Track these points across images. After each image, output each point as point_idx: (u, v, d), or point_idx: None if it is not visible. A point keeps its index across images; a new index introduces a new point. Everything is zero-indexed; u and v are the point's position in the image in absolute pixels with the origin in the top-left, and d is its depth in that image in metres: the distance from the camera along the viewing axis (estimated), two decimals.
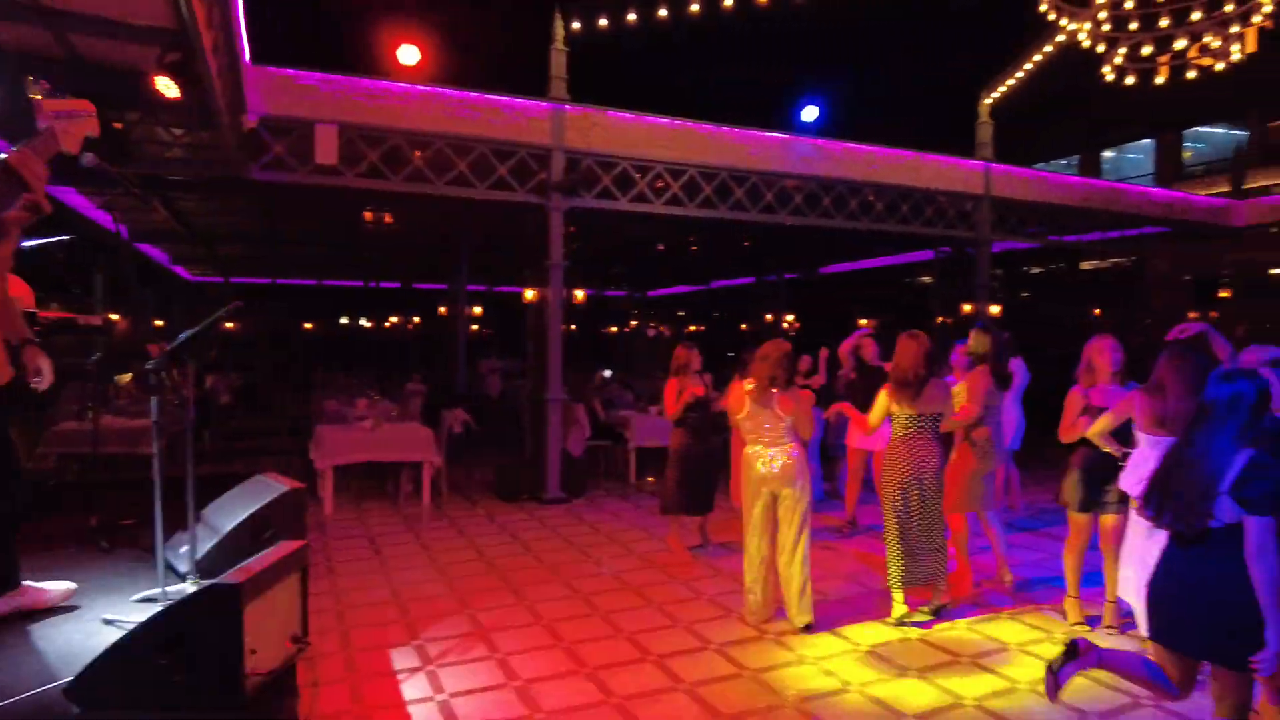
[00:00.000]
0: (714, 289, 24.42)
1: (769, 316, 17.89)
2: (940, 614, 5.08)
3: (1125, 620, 4.85)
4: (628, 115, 9.07)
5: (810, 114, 11.22)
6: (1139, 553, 3.65)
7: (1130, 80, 9.92)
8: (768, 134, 9.99)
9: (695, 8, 9.28)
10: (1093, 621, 4.97)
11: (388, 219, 13.67)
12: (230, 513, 3.72)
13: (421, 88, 8.06)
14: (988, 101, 12.23)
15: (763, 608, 4.99)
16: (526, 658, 4.48)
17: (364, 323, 30.05)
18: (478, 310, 21.60)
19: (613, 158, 8.99)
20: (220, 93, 6.02)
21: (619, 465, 10.12)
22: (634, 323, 25.77)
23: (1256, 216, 14.99)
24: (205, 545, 3.56)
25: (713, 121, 9.58)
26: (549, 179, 8.63)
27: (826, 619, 5.04)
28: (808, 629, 4.82)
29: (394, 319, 29.13)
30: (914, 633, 4.87)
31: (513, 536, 7.09)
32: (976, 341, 5.62)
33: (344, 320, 30.29)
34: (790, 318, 19.56)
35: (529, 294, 9.46)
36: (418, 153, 8.18)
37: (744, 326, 23.48)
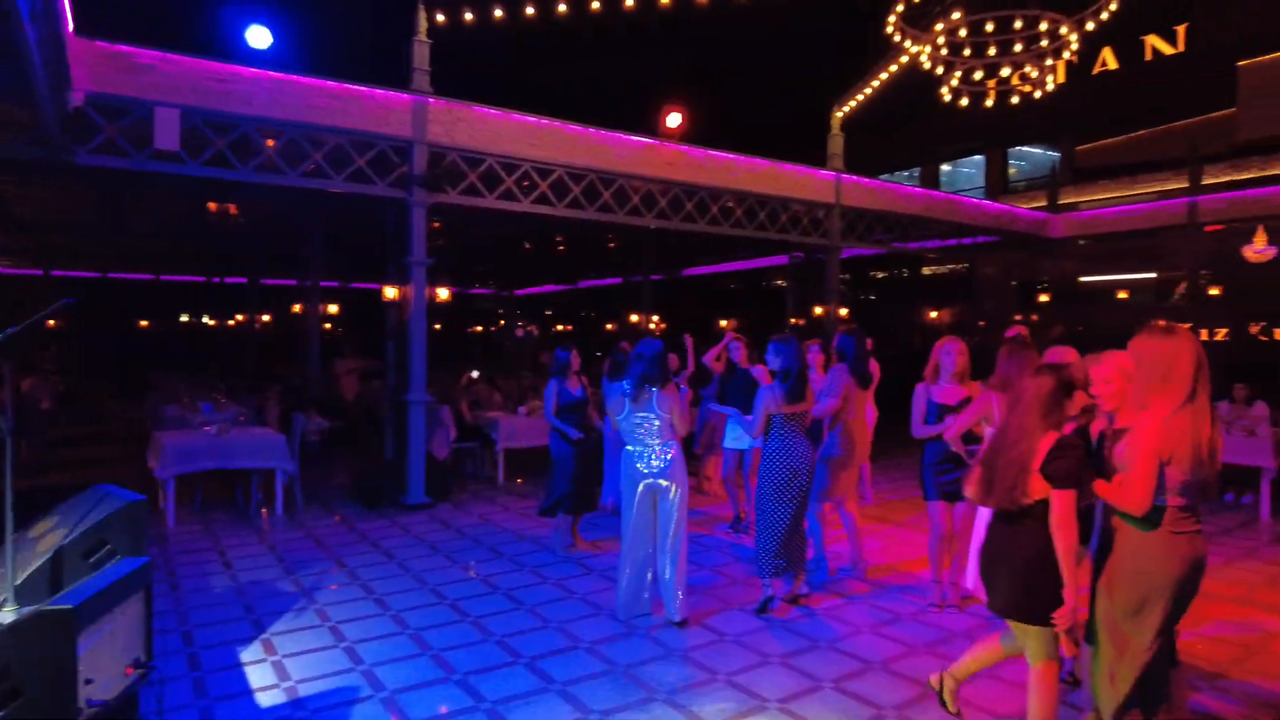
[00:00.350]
0: (581, 288, 24.47)
1: (635, 316, 18.08)
2: (799, 601, 5.31)
3: (974, 601, 5.26)
4: (494, 111, 8.93)
5: (674, 120, 11.44)
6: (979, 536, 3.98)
7: (964, 101, 10.75)
8: (634, 138, 10.11)
9: (563, 8, 9.26)
10: (951, 607, 5.34)
11: (233, 210, 12.84)
12: (59, 530, 3.38)
13: (274, 73, 7.61)
14: (839, 115, 12.89)
15: (638, 604, 5.04)
16: (392, 667, 4.33)
17: (207, 321, 28.07)
18: (333, 308, 20.63)
19: (479, 154, 8.83)
20: (40, 65, 5.46)
21: (487, 468, 9.95)
22: (502, 322, 25.43)
23: (1068, 230, 16.59)
24: (28, 568, 3.22)
25: (581, 123, 9.59)
26: (411, 173, 8.36)
27: (696, 611, 5.16)
28: (681, 624, 4.91)
29: (240, 317, 27.37)
30: (778, 620, 5.07)
31: (374, 544, 6.83)
32: (841, 343, 5.91)
33: (184, 318, 28.18)
34: (656, 318, 19.88)
35: (390, 292, 9.14)
36: (270, 141, 7.72)
37: (611, 326, 23.68)
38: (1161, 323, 3.07)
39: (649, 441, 4.93)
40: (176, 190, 11.06)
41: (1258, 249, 10.44)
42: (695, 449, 8.65)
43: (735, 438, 7.29)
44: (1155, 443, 2.90)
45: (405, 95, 8.29)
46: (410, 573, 6.02)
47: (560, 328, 26.88)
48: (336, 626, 4.92)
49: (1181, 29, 21.33)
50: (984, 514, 4.18)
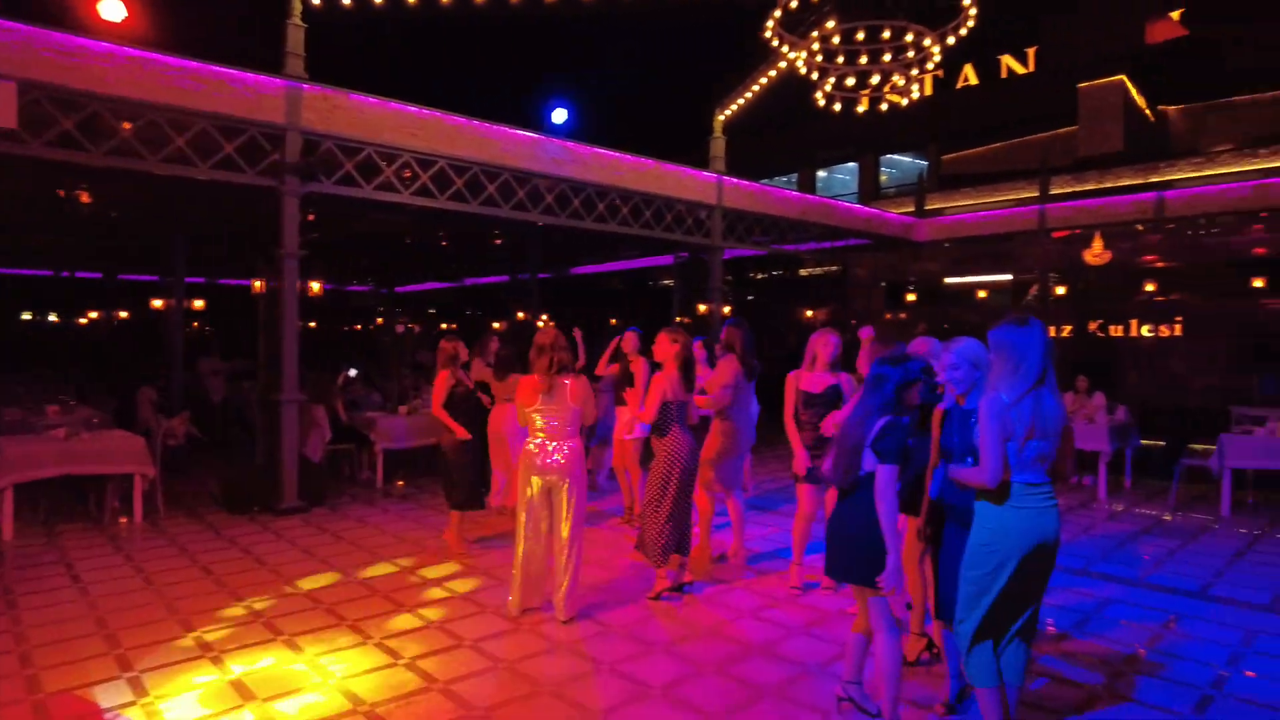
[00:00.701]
0: (466, 286, 24.00)
1: (522, 315, 17.88)
2: (684, 589, 5.42)
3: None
4: (373, 100, 8.64)
5: (560, 116, 11.41)
6: None
7: (838, 107, 11.22)
8: (519, 132, 10.01)
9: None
10: (812, 586, 5.56)
11: (85, 198, 11.87)
12: None
13: (130, 49, 7.09)
14: (721, 118, 13.20)
15: (526, 600, 4.99)
16: (264, 676, 4.13)
17: (53, 318, 25.85)
18: (199, 303, 19.43)
19: (357, 143, 8.51)
20: None
21: (365, 470, 9.63)
22: (380, 319, 24.60)
23: (933, 234, 17.59)
24: None
25: (465, 115, 9.42)
26: (283, 161, 7.99)
27: (585, 604, 5.17)
28: (569, 621, 4.89)
29: (94, 314, 25.34)
30: (663, 608, 5.14)
31: (245, 550, 6.48)
32: (729, 335, 6.06)
33: (26, 315, 25.85)
34: (545, 317, 19.75)
35: (259, 285, 8.69)
36: (126, 124, 7.19)
37: (497, 325, 23.32)
38: (1016, 314, 3.31)
39: (553, 434, 4.88)
40: (16, 174, 10.13)
41: (1095, 253, 11.40)
42: (590, 442, 8.66)
43: (623, 428, 7.34)
44: (998, 424, 3.12)
45: (278, 80, 7.91)
46: (283, 578, 5.75)
47: (444, 326, 26.24)
48: (202, 637, 4.65)
49: (1032, 51, 23.05)
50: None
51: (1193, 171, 18.21)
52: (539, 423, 4.90)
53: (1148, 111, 20.58)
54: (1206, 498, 8.44)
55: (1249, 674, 4.24)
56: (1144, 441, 9.30)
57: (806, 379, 5.34)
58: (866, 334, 5.15)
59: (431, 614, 5.05)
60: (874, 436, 3.37)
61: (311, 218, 12.07)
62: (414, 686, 4.03)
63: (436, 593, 5.46)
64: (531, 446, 4.91)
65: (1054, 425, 3.14)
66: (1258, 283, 12.34)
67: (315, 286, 12.68)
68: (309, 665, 4.27)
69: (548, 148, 10.33)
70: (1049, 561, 3.23)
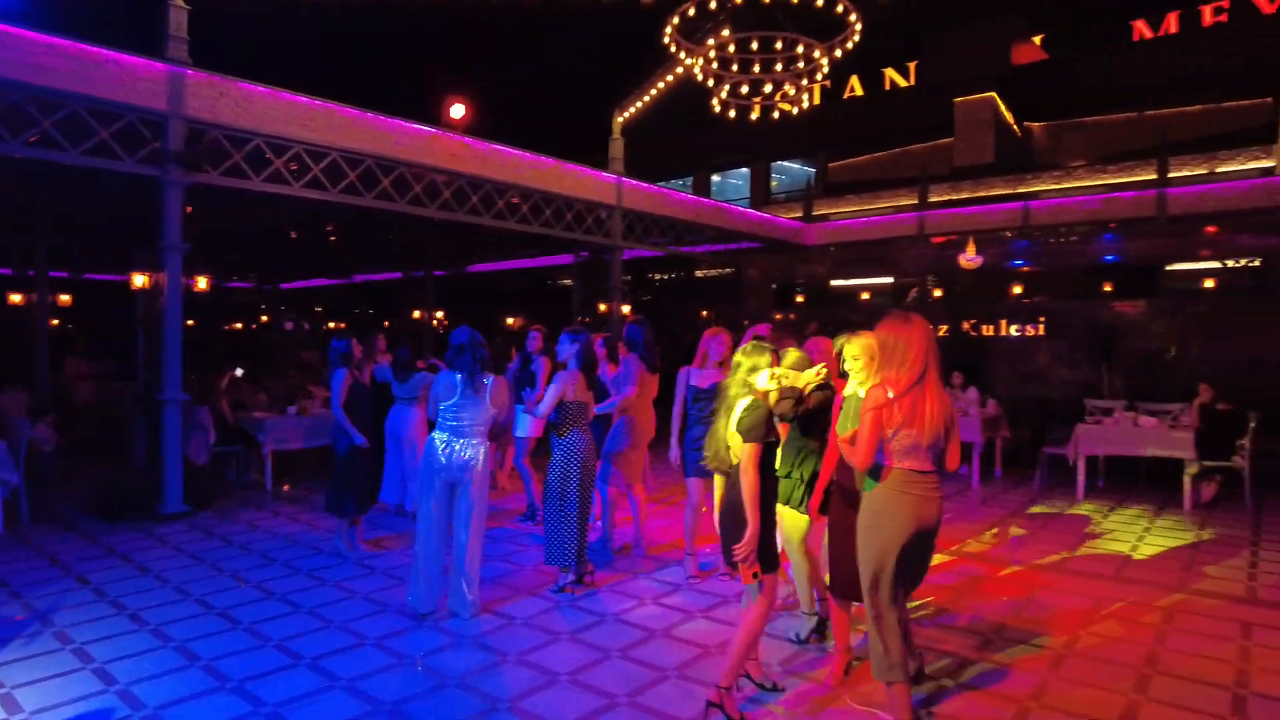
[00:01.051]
0: (356, 283, 23.32)
1: (417, 313, 17.56)
2: (584, 581, 5.52)
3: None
4: (262, 88, 8.35)
5: (458, 111, 11.31)
6: None
7: (732, 114, 11.59)
8: (416, 125, 9.87)
9: None
10: (706, 567, 5.77)
11: None
12: None
13: None
14: (620, 120, 13.37)
15: (433, 598, 4.95)
16: (155, 683, 3.98)
17: None
18: (65, 298, 18.12)
19: (245, 133, 8.21)
20: None
21: (253, 472, 9.28)
22: (265, 317, 23.56)
23: (821, 238, 18.35)
24: None
25: (360, 107, 9.22)
26: (166, 149, 7.62)
27: (488, 600, 5.19)
28: (474, 617, 4.91)
29: None
30: (566, 600, 5.23)
31: (125, 558, 6.16)
32: (632, 334, 6.19)
33: None
34: (440, 314, 19.43)
35: (140, 279, 8.26)
36: None
37: (387, 324, 22.78)
38: (900, 312, 3.55)
39: (463, 432, 4.84)
40: None
41: (969, 257, 12.20)
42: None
43: (528, 426, 7.34)
44: (877, 412, 3.37)
45: (159, 64, 7.54)
46: (170, 585, 5.52)
47: (332, 325, 25.39)
48: (83, 648, 4.42)
49: (913, 65, 24.37)
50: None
51: (1053, 184, 19.72)
52: (449, 420, 4.87)
53: (1015, 127, 22.11)
54: (1065, 482, 9.20)
55: (1095, 631, 4.70)
56: (1010, 433, 10.04)
57: (697, 374, 5.55)
58: (815, 346, 4.79)
59: (332, 614, 4.97)
60: (736, 418, 3.52)
61: (189, 210, 11.51)
62: (315, 686, 3.97)
63: (336, 593, 5.37)
64: (438, 444, 4.86)
65: (937, 418, 3.35)
66: (1107, 287, 13.51)
67: (202, 282, 12.06)
68: (205, 670, 4.14)
69: (445, 143, 10.23)
70: (929, 545, 3.52)
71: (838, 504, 4.11)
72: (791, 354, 4.17)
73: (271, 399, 10.17)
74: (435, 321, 18.46)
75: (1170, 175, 15.55)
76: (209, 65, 7.93)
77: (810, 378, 3.95)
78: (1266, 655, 4.41)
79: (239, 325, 24.68)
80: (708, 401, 5.36)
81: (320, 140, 8.82)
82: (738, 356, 3.68)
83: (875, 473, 3.47)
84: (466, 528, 4.87)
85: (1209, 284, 14.65)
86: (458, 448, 4.83)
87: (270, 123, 8.40)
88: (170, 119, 7.61)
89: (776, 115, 10.54)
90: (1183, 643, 4.58)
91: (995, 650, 4.48)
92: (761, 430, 3.48)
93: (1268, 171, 17.47)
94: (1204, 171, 18.05)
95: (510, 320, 21.55)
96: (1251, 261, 11.61)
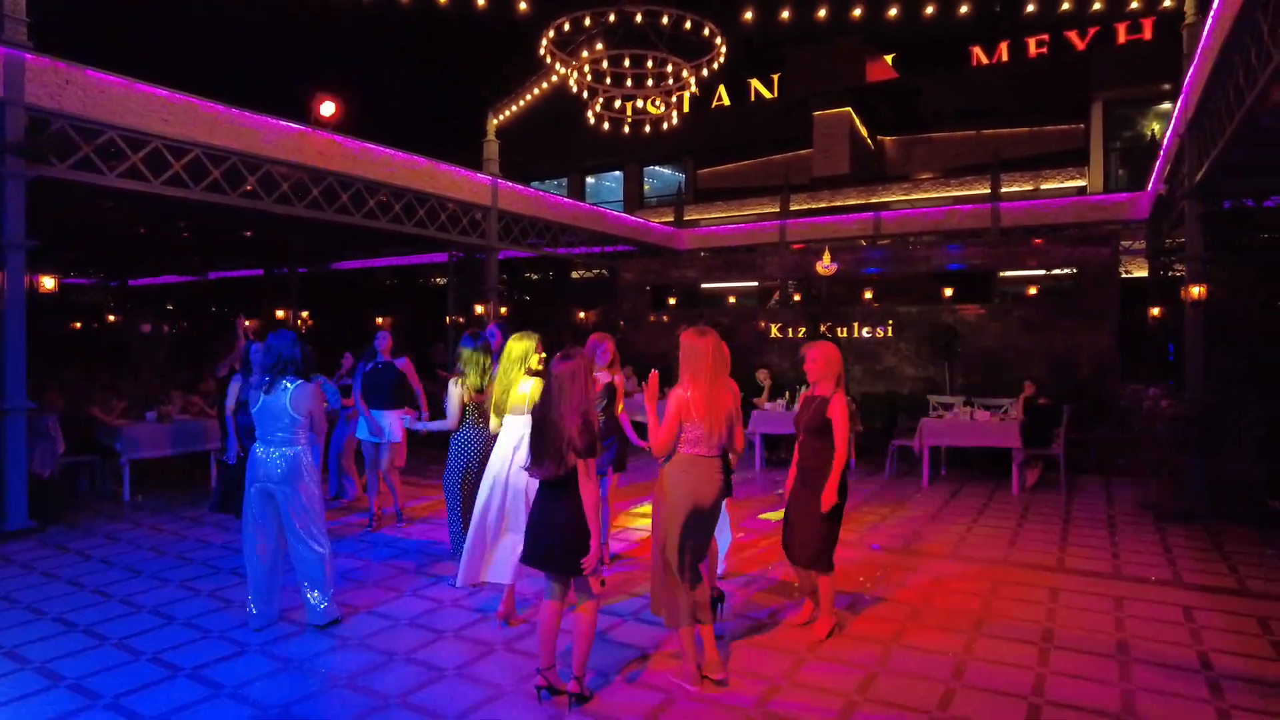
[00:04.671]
0: (212, 280, 22.07)
1: (281, 312, 16.83)
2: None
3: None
4: (116, 78, 7.91)
5: (328, 109, 11.03)
6: None
7: (606, 126, 11.89)
8: (283, 122, 9.60)
9: None
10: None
11: None
12: None
13: None
14: (495, 121, 13.40)
15: (263, 612, 4.81)
16: (15, 707, 3.82)
17: None
18: None
19: (97, 124, 7.77)
20: None
21: (110, 483, 8.77)
22: (112, 317, 21.87)
23: (692, 243, 18.99)
24: None
25: (224, 102, 8.88)
26: (2, 139, 7.10)
27: (370, 600, 5.23)
28: (328, 625, 4.79)
29: None
30: (460, 593, 5.33)
31: None
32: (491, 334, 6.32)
33: None
34: (305, 314, 18.69)
35: None
36: None
37: (249, 323, 21.66)
38: (699, 326, 4.11)
39: (270, 440, 4.70)
40: None
41: (825, 265, 13.00)
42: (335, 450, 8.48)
43: (371, 431, 7.24)
44: (674, 408, 3.99)
45: None
46: (21, 605, 5.22)
47: (184, 325, 23.87)
48: None
49: (776, 77, 25.51)
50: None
51: (903, 195, 21.23)
52: (260, 425, 4.75)
53: (869, 140, 23.59)
54: (912, 472, 10.05)
55: (938, 601, 5.28)
56: (862, 426, 10.84)
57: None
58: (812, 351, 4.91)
59: (211, 624, 4.87)
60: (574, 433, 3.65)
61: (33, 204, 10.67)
62: (198, 695, 3.93)
63: (212, 604, 5.25)
64: (256, 452, 4.74)
65: (720, 413, 4.00)
66: (949, 292, 14.75)
67: (49, 282, 11.15)
68: (71, 689, 4.00)
69: (314, 140, 10.00)
70: (712, 517, 4.07)
71: (799, 487, 4.71)
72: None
73: (129, 405, 9.61)
74: (300, 321, 17.77)
75: (1002, 190, 17.15)
76: (55, 51, 7.46)
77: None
78: (1068, 614, 5.11)
79: (76, 325, 22.77)
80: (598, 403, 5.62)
81: (181, 135, 8.45)
82: (511, 343, 4.65)
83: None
84: (295, 534, 4.73)
85: (1033, 290, 16.25)
86: (269, 457, 4.69)
87: (126, 115, 7.98)
88: (7, 106, 7.11)
89: (648, 129, 10.91)
90: (1004, 607, 5.22)
91: (847, 620, 4.96)
92: (593, 448, 3.69)
93: (1081, 190, 19.54)
94: (1030, 188, 19.95)
95: (380, 320, 20.98)
96: (1068, 270, 12.99)
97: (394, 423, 7.10)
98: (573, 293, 20.60)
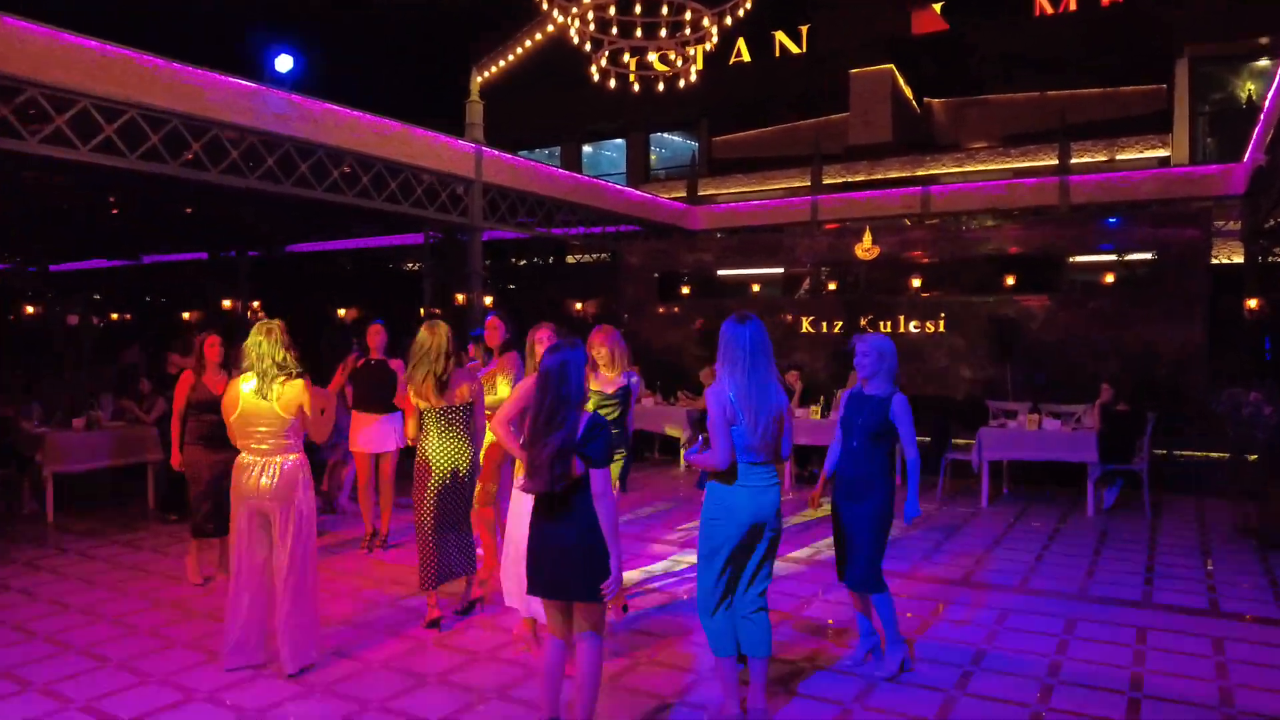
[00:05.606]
0: (148, 265, 22.12)
1: (229, 302, 16.84)
2: (471, 611, 5.62)
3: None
4: (38, 27, 7.91)
5: (285, 64, 11.05)
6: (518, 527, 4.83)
7: (613, 83, 11.85)
8: (234, 80, 9.60)
9: None
10: None
11: None
12: None
13: None
14: (479, 79, 13.38)
15: (249, 648, 4.80)
16: None
17: None
18: None
19: (15, 81, 7.75)
20: None
21: (28, 500, 8.74)
22: (30, 308, 21.87)
23: (707, 222, 18.99)
24: None
25: (164, 56, 8.86)
26: None
27: (342, 644, 5.19)
28: (298, 674, 4.74)
29: None
30: (435, 637, 5.30)
31: None
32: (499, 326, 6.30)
33: None
34: (256, 304, 18.70)
35: None
36: None
37: (189, 315, 21.69)
38: (742, 312, 4.13)
39: (264, 449, 4.70)
40: None
41: (865, 248, 12.96)
42: (323, 456, 8.49)
43: (367, 440, 7.27)
44: (716, 411, 3.99)
45: None
46: None
47: (115, 316, 23.92)
48: None
49: (804, 29, 25.45)
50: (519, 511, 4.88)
51: (955, 166, 21.18)
52: (242, 434, 4.73)
53: (914, 103, 23.55)
54: (969, 490, 10.00)
55: (1005, 643, 5.24)
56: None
57: (593, 379, 5.73)
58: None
59: (151, 667, 4.84)
60: (580, 438, 3.62)
61: None
62: None
63: (153, 643, 5.21)
64: (240, 463, 4.73)
65: (768, 412, 3.99)
66: (1010, 279, 14.69)
67: None
68: None
69: (270, 101, 9.99)
70: (768, 536, 4.09)
71: (842, 500, 4.83)
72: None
73: (50, 412, 9.59)
74: (251, 313, 17.77)
75: (1072, 162, 17.09)
76: None
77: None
78: (1159, 658, 5.06)
79: None
80: (612, 408, 5.56)
81: (116, 94, 8.45)
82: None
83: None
84: (282, 563, 4.72)
85: (1108, 277, 16.18)
86: (260, 468, 4.69)
87: (49, 70, 7.97)
88: None
89: (661, 86, 10.88)
90: (1083, 650, 5.18)
91: (916, 651, 4.92)
92: (611, 453, 3.71)
93: (1164, 161, 19.47)
94: (1104, 159, 19.89)
95: (342, 311, 20.99)
96: (1148, 255, 12.96)
97: (388, 431, 7.19)
98: (568, 280, 20.62)
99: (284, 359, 4.72)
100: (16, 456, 8.63)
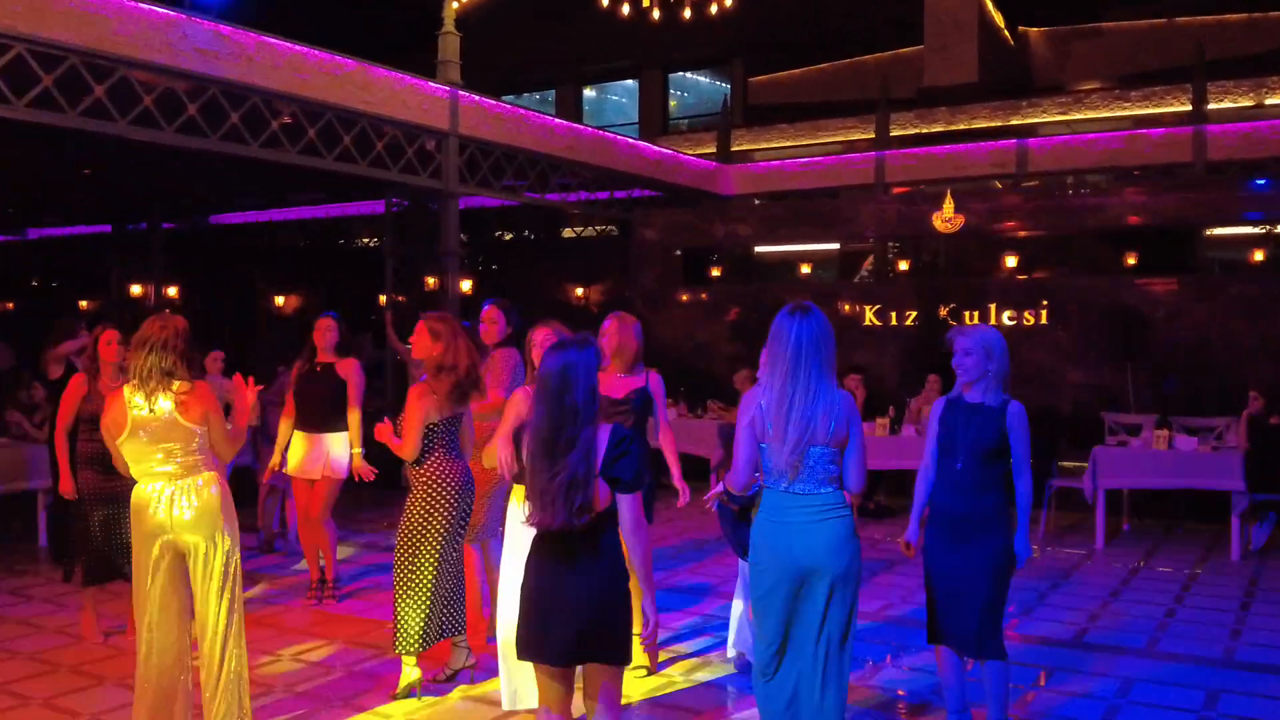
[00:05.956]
0: (33, 241, 22.30)
1: (139, 287, 16.93)
2: (457, 677, 5.62)
3: None
4: None
5: None
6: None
7: (626, 9, 11.86)
8: (147, 5, 9.63)
9: None
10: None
11: None
12: None
13: None
14: (454, 6, 13.40)
15: (161, 716, 4.73)
16: None
17: None
18: None
19: None
20: None
21: None
22: None
23: (743, 185, 18.97)
24: None
25: None
26: None
27: (282, 714, 5.22)
28: None
29: None
30: (412, 706, 5.32)
31: None
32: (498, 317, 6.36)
33: None
34: (174, 290, 18.80)
35: None
36: None
37: (86, 304, 21.86)
38: (801, 301, 4.11)
39: (172, 473, 4.65)
40: None
41: (945, 217, 12.93)
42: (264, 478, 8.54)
43: (311, 463, 7.25)
44: (745, 420, 4.04)
45: None
46: None
47: None
48: None
49: None
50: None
51: (1059, 114, 21.04)
52: (138, 456, 4.66)
53: (1007, 33, 23.46)
54: (1080, 525, 9.96)
55: None
56: None
57: (602, 381, 5.73)
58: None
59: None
60: (605, 457, 3.60)
61: None
62: None
63: (45, 716, 5.25)
64: (141, 494, 4.68)
65: (813, 427, 3.91)
66: (1131, 258, 14.62)
67: None
68: None
69: (193, 33, 10.04)
70: (829, 585, 3.96)
71: (948, 541, 4.79)
72: None
73: None
74: (171, 297, 17.84)
75: (1209, 107, 16.99)
76: None
77: None
78: None
79: None
80: (623, 417, 5.55)
81: None
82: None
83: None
84: (211, 610, 4.69)
85: (1258, 255, 16.07)
86: (168, 496, 4.63)
87: None
88: None
89: (688, 14, 10.90)
90: None
91: None
92: (642, 473, 3.71)
93: None
94: (1250, 104, 19.75)
95: (280, 299, 21.07)
96: None
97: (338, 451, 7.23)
98: (565, 259, 20.65)
99: (173, 368, 4.65)
100: None
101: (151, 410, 4.59)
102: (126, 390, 4.65)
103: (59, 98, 9.12)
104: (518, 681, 4.86)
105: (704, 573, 8.45)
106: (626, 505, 3.62)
